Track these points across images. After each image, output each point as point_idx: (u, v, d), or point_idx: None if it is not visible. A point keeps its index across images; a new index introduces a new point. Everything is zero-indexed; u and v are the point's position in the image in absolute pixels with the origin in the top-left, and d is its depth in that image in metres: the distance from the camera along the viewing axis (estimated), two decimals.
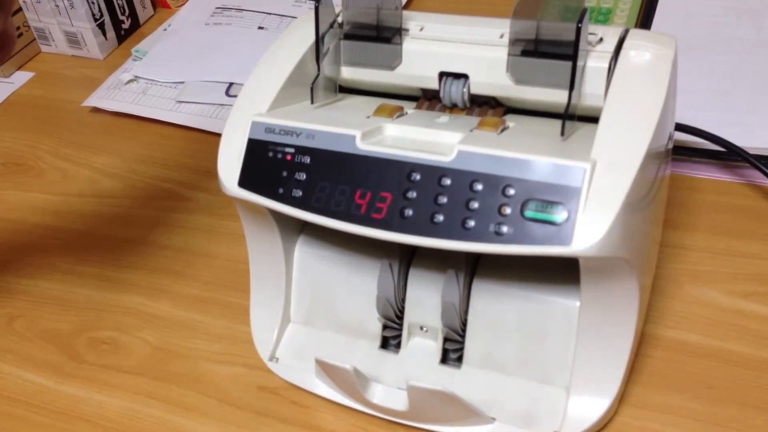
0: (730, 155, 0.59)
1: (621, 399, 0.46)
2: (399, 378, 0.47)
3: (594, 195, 0.37)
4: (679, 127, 0.58)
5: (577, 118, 0.43)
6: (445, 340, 0.47)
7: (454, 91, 0.46)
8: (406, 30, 0.47)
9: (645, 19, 0.74)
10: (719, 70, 0.67)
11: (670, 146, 0.48)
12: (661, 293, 0.52)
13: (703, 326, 0.50)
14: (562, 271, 0.44)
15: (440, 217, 0.39)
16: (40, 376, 0.55)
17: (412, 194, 0.39)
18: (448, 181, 0.39)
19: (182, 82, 0.79)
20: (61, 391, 0.54)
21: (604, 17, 0.76)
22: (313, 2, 0.46)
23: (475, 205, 0.38)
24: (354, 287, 0.49)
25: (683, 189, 0.59)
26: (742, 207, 0.58)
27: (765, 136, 0.60)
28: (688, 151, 0.61)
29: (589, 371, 0.44)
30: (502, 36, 0.44)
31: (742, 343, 0.49)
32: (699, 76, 0.67)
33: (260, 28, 0.85)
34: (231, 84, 0.77)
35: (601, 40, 0.43)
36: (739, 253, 0.54)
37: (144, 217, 0.66)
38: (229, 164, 0.44)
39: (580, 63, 0.41)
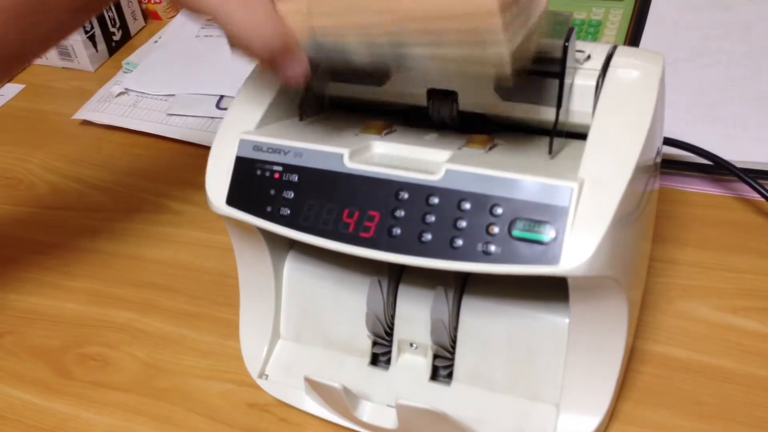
0: (718, 169, 0.59)
1: (611, 415, 0.46)
2: (388, 395, 0.46)
3: (582, 214, 0.37)
4: (668, 141, 0.58)
5: (565, 134, 0.43)
6: (435, 356, 0.47)
7: (443, 109, 0.46)
8: None
9: (635, 32, 0.74)
10: (708, 83, 0.67)
11: (659, 160, 0.49)
12: (650, 308, 0.52)
13: (692, 341, 0.50)
14: (552, 288, 0.44)
15: (428, 236, 0.38)
16: (29, 393, 0.54)
17: (400, 213, 0.39)
18: (436, 200, 0.39)
19: (173, 95, 0.79)
20: (50, 408, 0.53)
21: (595, 29, 0.76)
22: None
23: (463, 224, 0.38)
24: (343, 304, 0.49)
25: (672, 202, 0.59)
26: (731, 220, 0.58)
27: (752, 149, 0.60)
28: (676, 165, 0.61)
29: (579, 388, 0.44)
30: None
31: (731, 359, 0.49)
32: (687, 90, 0.67)
33: None
34: (221, 97, 0.77)
35: (588, 57, 0.43)
36: (729, 268, 0.54)
37: (133, 231, 0.66)
38: (217, 182, 0.44)
39: (567, 81, 0.41)
